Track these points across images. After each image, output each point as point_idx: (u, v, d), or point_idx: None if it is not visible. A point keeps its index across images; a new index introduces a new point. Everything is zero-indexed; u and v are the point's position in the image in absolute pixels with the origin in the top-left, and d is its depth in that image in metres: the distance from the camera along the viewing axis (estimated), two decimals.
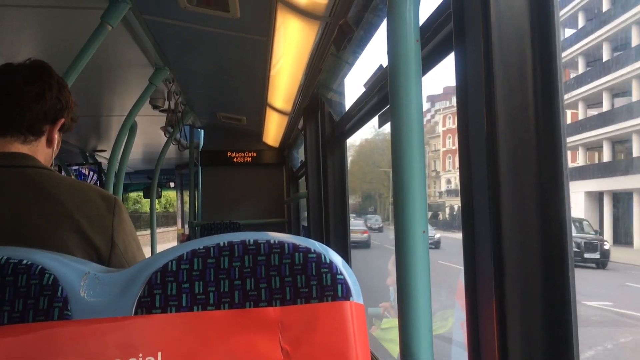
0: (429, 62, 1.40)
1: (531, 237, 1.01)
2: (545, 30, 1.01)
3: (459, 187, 1.15)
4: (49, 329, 0.89)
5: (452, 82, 1.14)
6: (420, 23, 1.04)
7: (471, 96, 1.09)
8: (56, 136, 1.41)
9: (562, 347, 0.99)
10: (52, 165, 1.48)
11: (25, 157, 1.32)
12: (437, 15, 1.34)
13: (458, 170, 1.14)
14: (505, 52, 1.01)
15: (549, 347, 0.99)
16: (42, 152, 1.39)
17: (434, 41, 1.37)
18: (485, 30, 1.01)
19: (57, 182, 1.32)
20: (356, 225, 22.80)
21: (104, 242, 1.30)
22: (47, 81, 1.37)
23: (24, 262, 0.95)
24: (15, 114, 1.32)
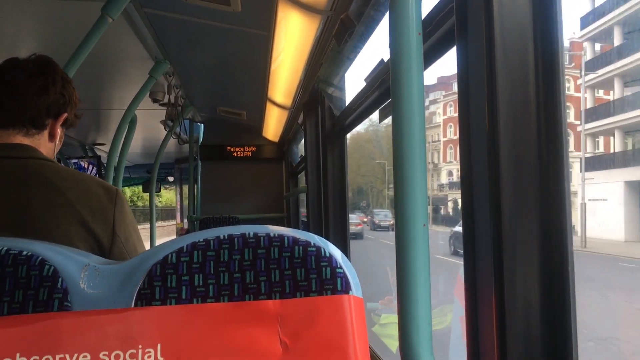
0: (430, 55, 1.40)
1: (531, 231, 1.01)
2: (548, 24, 1.00)
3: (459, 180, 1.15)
4: (48, 320, 0.89)
5: (446, 72, 1.14)
6: (423, 16, 1.04)
7: (473, 90, 1.09)
8: (59, 131, 1.42)
9: (561, 342, 0.99)
10: (54, 159, 1.48)
11: (27, 149, 1.32)
12: (440, 9, 1.34)
13: (459, 163, 1.14)
14: (507, 45, 1.00)
15: (548, 342, 0.99)
16: (45, 145, 1.39)
17: (437, 34, 1.37)
18: (488, 24, 1.01)
19: (59, 173, 1.32)
20: (351, 219, 25.33)
21: (105, 233, 1.30)
22: (51, 76, 1.37)
23: (24, 253, 0.95)
24: (18, 107, 1.33)
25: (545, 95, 1.00)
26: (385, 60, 2.03)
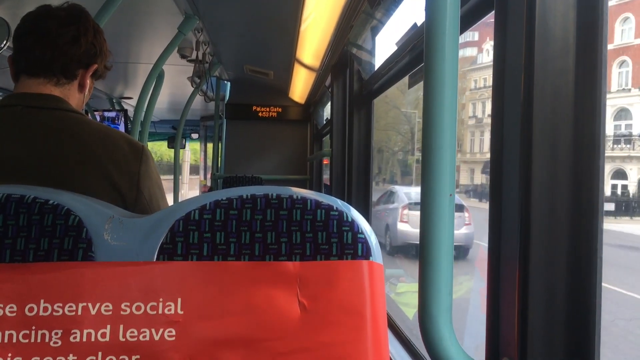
0: (467, 20, 1.35)
1: (560, 205, 0.98)
2: None
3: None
4: (73, 269, 0.90)
5: None
6: None
7: (509, 58, 1.05)
8: (88, 82, 1.42)
9: (583, 317, 0.97)
10: (83, 110, 1.49)
11: (57, 100, 1.33)
12: None
13: (490, 133, 1.11)
14: (548, 12, 0.96)
15: (571, 318, 0.97)
16: (74, 96, 1.40)
17: None
18: None
19: (88, 126, 1.33)
20: None
21: (129, 189, 1.31)
22: (83, 25, 1.37)
23: (50, 202, 0.96)
24: (50, 55, 1.33)
25: (585, 66, 0.96)
26: (419, 24, 1.98)
